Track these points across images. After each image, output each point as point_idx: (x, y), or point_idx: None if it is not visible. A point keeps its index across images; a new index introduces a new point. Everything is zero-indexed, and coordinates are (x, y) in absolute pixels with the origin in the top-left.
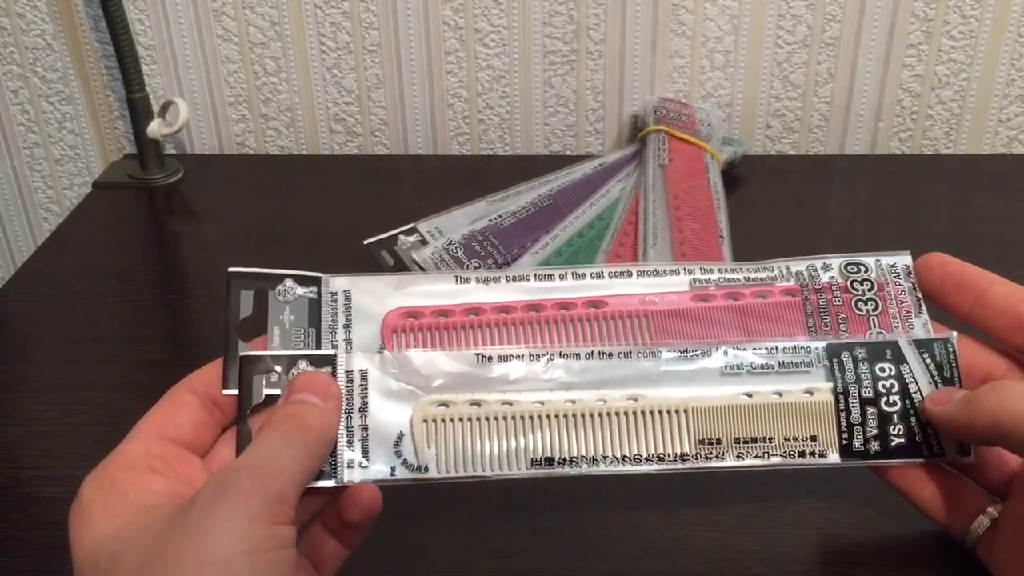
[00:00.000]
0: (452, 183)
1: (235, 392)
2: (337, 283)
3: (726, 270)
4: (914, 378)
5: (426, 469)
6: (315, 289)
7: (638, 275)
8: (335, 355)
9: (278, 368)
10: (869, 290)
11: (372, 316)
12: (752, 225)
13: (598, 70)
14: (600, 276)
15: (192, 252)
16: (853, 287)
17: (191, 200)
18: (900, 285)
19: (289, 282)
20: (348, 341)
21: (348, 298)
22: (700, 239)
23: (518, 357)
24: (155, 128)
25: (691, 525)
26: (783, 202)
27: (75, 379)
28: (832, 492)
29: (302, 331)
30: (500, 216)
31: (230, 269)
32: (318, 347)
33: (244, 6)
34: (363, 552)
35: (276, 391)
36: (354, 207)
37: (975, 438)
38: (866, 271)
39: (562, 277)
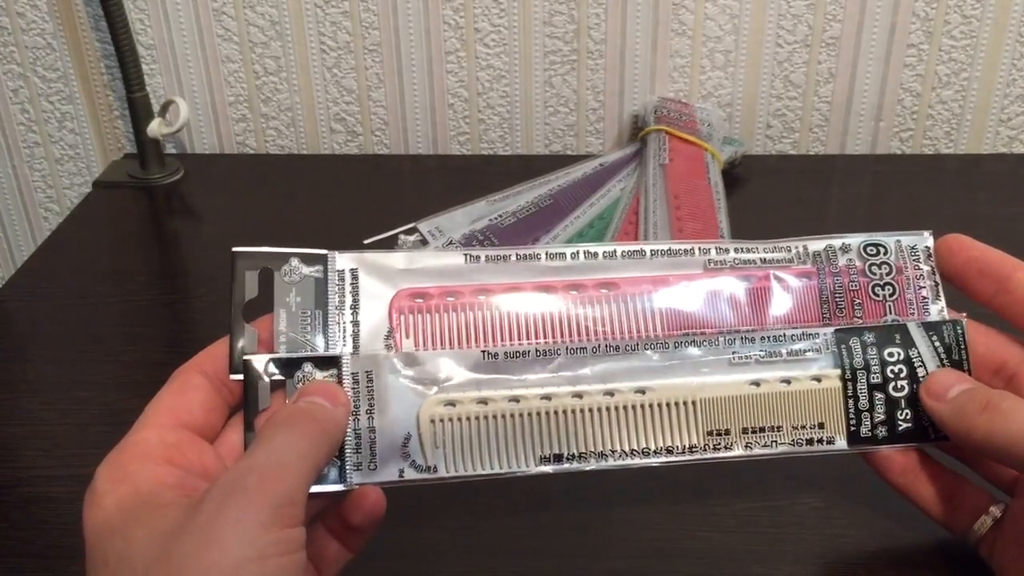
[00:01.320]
0: (452, 183)
1: (242, 377)
2: (343, 261)
3: (741, 250)
4: (923, 362)
5: (435, 469)
6: (321, 268)
7: (651, 255)
8: (340, 357)
9: (282, 371)
10: (887, 274)
11: (380, 296)
12: (752, 225)
13: (598, 70)
14: (612, 256)
15: (192, 252)
16: (871, 271)
17: (191, 200)
18: (919, 269)
19: (295, 261)
20: (355, 323)
21: (355, 277)
22: (700, 238)
23: (524, 353)
24: (155, 128)
25: (691, 525)
26: (783, 202)
27: (75, 379)
28: (832, 492)
29: (309, 313)
30: (500, 216)
31: (234, 249)
32: (325, 330)
33: (244, 5)
34: (363, 552)
35: (280, 377)
36: (354, 207)
37: (968, 449)
38: (885, 253)
39: (574, 256)
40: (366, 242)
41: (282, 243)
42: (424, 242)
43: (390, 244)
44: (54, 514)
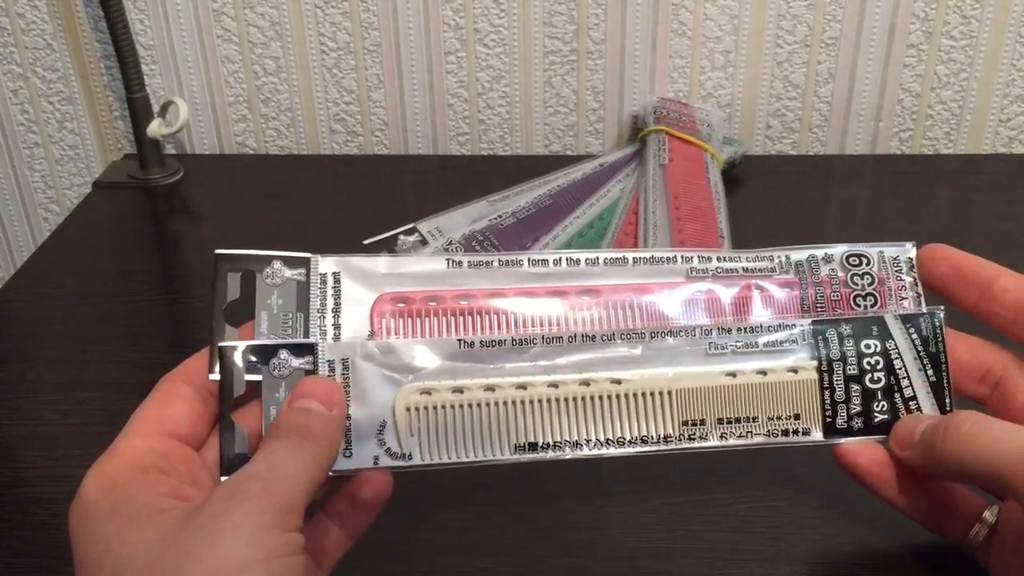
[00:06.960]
0: (452, 183)
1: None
2: (326, 264)
3: (724, 259)
4: (899, 354)
5: (409, 457)
6: (304, 271)
7: (634, 262)
8: (316, 344)
9: (258, 358)
10: (869, 284)
11: (361, 301)
12: (752, 225)
13: (598, 70)
14: (595, 263)
15: (192, 252)
16: (853, 281)
17: (191, 200)
18: (901, 280)
19: (277, 264)
20: (337, 326)
21: (337, 281)
22: (700, 239)
23: (500, 343)
24: (155, 128)
25: (691, 525)
26: (783, 202)
27: (75, 379)
28: (832, 492)
29: (290, 316)
30: (500, 216)
31: (217, 251)
32: (306, 333)
33: (244, 6)
34: (363, 552)
35: (257, 377)
36: (354, 207)
37: (948, 480)
38: (868, 263)
39: (556, 262)
40: (366, 242)
41: (282, 244)
42: (424, 242)
43: (390, 244)
44: (54, 514)
